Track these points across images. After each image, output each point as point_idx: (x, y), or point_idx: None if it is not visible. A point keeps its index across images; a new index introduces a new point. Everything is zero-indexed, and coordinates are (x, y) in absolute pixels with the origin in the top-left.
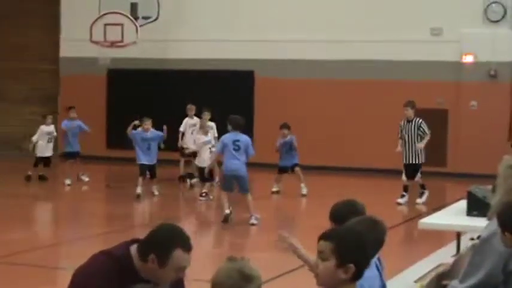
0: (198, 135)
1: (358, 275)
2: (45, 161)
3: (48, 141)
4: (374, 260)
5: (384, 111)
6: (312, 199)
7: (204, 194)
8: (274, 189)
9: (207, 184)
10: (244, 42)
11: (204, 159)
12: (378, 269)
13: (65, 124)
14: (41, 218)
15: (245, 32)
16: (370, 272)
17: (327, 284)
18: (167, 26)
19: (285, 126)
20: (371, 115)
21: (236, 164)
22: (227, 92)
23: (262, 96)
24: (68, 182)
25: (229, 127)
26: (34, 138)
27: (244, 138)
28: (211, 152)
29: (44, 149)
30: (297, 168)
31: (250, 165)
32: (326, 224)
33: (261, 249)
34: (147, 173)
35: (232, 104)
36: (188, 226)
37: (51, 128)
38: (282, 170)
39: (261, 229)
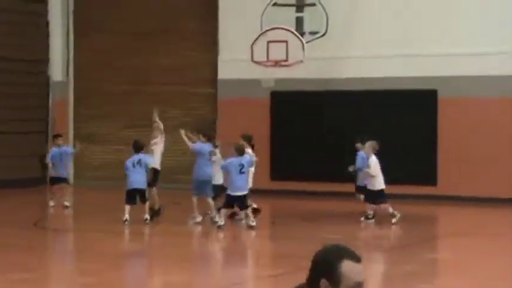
0: None
1: None
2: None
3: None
4: None
5: None
6: None
7: None
8: None
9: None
10: (424, 58)
11: None
12: None
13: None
14: (204, 258)
15: (425, 46)
16: None
17: None
18: (337, 42)
19: None
20: None
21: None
22: (405, 114)
23: (446, 120)
24: (51, 204)
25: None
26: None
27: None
28: None
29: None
30: None
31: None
32: None
33: None
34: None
35: (411, 127)
36: None
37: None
38: None
39: None
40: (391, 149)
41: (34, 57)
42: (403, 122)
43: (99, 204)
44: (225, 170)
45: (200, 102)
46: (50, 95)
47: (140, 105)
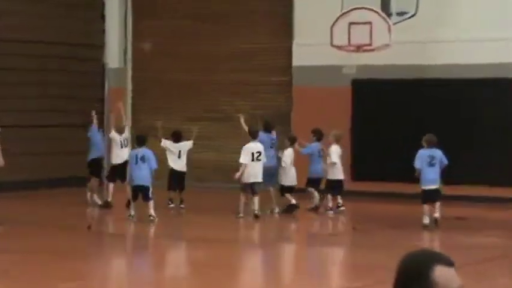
0: None
1: None
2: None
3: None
4: None
5: None
6: None
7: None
8: None
9: None
10: None
11: None
12: None
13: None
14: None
15: None
16: None
17: None
18: (428, 23)
19: None
20: None
21: None
22: (507, 106)
23: None
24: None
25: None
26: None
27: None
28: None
29: None
30: None
31: None
32: None
33: None
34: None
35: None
36: None
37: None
38: None
39: None
40: (485, 145)
41: (88, 42)
42: (504, 115)
43: (159, 203)
44: None
45: (273, 92)
46: (106, 84)
47: (206, 96)
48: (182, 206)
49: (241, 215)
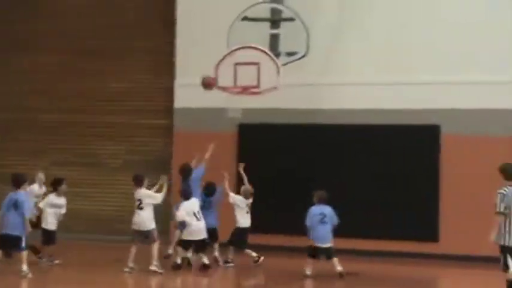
0: None
1: None
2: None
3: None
4: None
5: None
6: None
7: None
8: None
9: None
10: (425, 86)
11: None
12: None
13: None
14: None
15: (426, 72)
16: None
17: None
18: (320, 65)
19: None
20: None
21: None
22: (400, 155)
23: (450, 162)
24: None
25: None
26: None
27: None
28: None
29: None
30: None
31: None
32: None
33: None
34: None
35: (407, 170)
36: None
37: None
38: None
39: None
40: (382, 198)
41: None
42: (397, 164)
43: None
44: None
45: (152, 136)
46: None
47: (76, 139)
48: (54, 261)
49: (131, 266)
